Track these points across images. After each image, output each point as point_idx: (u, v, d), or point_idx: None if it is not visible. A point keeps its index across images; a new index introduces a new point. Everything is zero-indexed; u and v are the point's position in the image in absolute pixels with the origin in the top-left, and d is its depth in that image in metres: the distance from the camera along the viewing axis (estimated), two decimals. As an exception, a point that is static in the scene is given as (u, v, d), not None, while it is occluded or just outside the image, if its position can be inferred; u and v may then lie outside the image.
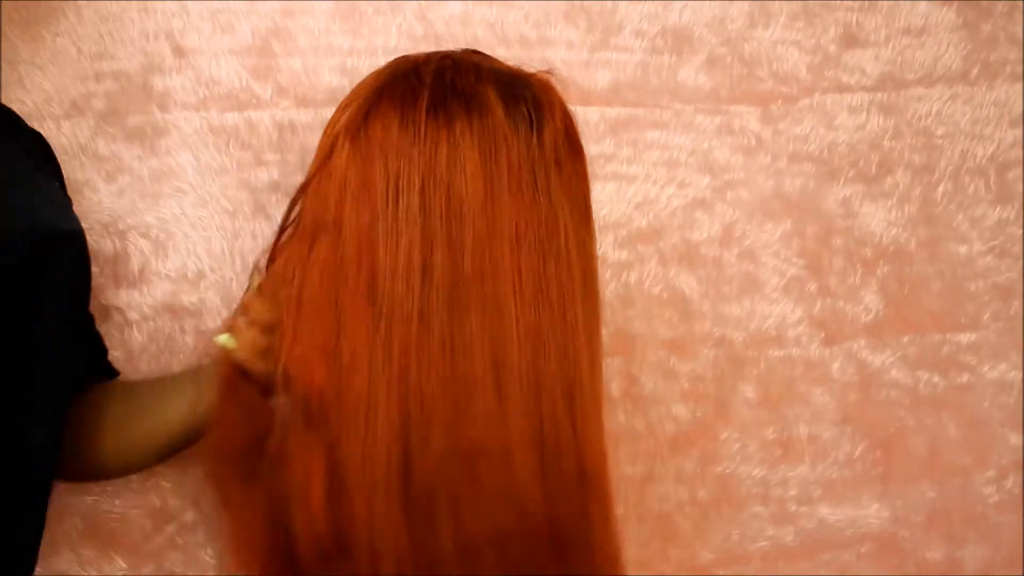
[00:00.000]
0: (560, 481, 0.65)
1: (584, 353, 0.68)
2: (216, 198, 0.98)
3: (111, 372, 0.90)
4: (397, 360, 0.64)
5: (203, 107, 0.97)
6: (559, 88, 0.72)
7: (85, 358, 0.86)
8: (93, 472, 0.86)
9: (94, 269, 0.96)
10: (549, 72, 0.73)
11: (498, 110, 0.66)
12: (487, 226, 0.65)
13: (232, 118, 0.97)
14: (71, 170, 0.96)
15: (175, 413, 0.80)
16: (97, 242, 0.96)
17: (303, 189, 0.71)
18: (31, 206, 0.73)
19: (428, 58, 0.70)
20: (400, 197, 0.64)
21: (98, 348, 0.89)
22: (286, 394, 0.67)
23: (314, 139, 0.75)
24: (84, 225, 0.95)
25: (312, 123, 0.97)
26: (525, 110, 0.68)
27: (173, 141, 0.97)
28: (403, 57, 0.72)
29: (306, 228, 0.69)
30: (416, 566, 0.63)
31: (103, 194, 0.96)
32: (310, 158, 0.75)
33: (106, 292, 0.97)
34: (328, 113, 0.74)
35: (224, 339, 0.74)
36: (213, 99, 0.97)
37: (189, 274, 0.98)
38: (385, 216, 0.64)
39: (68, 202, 0.83)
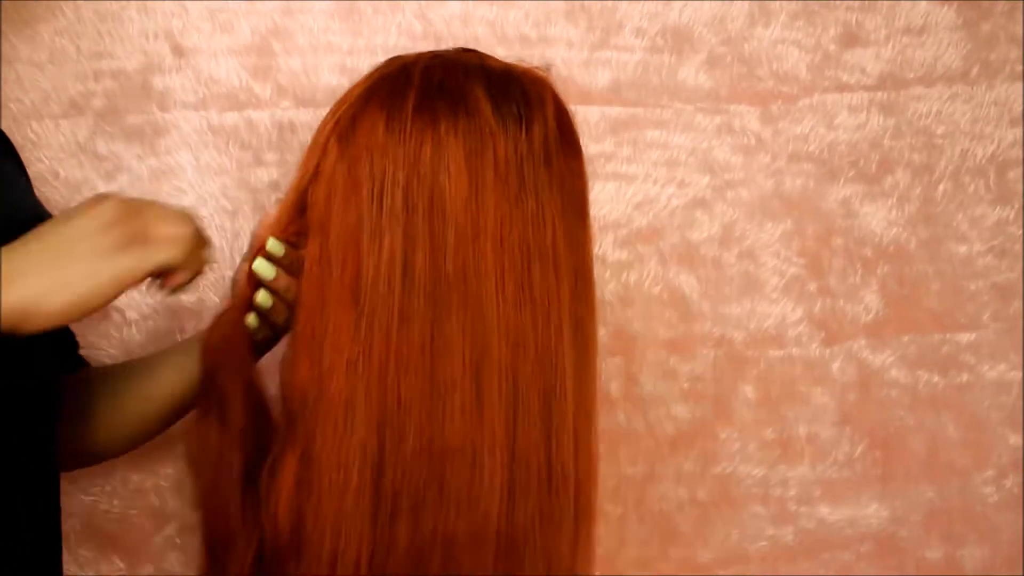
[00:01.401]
0: (525, 486, 0.65)
1: (568, 356, 0.67)
2: (216, 198, 0.98)
3: (82, 362, 0.88)
4: (376, 360, 0.63)
5: (203, 106, 0.97)
6: (556, 84, 0.71)
7: (63, 349, 0.85)
8: (88, 458, 0.85)
9: (93, 268, 0.96)
10: (547, 67, 0.72)
11: (485, 108, 0.66)
12: (471, 225, 0.64)
13: (232, 118, 0.97)
14: (69, 169, 0.96)
15: (165, 388, 0.80)
16: (96, 242, 0.96)
17: (296, 194, 0.70)
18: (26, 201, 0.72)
19: (418, 58, 0.70)
20: (384, 196, 0.64)
21: (71, 339, 0.87)
22: (281, 392, 0.68)
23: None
24: (83, 225, 0.96)
25: (312, 122, 0.96)
26: (514, 107, 0.67)
27: (173, 140, 0.97)
28: (394, 58, 0.72)
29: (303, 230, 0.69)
30: (371, 567, 0.62)
31: (102, 193, 0.96)
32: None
33: (105, 292, 0.97)
34: (328, 113, 0.74)
35: (261, 266, 0.71)
36: (213, 98, 0.97)
37: (189, 274, 0.97)
38: (370, 216, 0.64)
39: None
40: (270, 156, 0.98)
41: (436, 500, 0.63)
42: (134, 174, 0.97)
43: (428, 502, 0.63)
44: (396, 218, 0.64)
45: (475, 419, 0.64)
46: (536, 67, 0.72)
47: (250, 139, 0.98)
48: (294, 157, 0.97)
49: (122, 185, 0.96)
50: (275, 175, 0.98)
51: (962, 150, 1.09)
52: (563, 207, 0.68)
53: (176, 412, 0.81)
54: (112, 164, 0.96)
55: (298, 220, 0.69)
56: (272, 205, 0.96)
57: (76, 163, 0.96)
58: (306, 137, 0.96)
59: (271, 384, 0.77)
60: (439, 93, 0.66)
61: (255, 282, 0.72)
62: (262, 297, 0.71)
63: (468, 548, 0.64)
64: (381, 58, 0.75)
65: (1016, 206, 1.10)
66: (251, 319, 0.72)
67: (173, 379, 0.79)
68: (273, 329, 0.74)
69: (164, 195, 0.97)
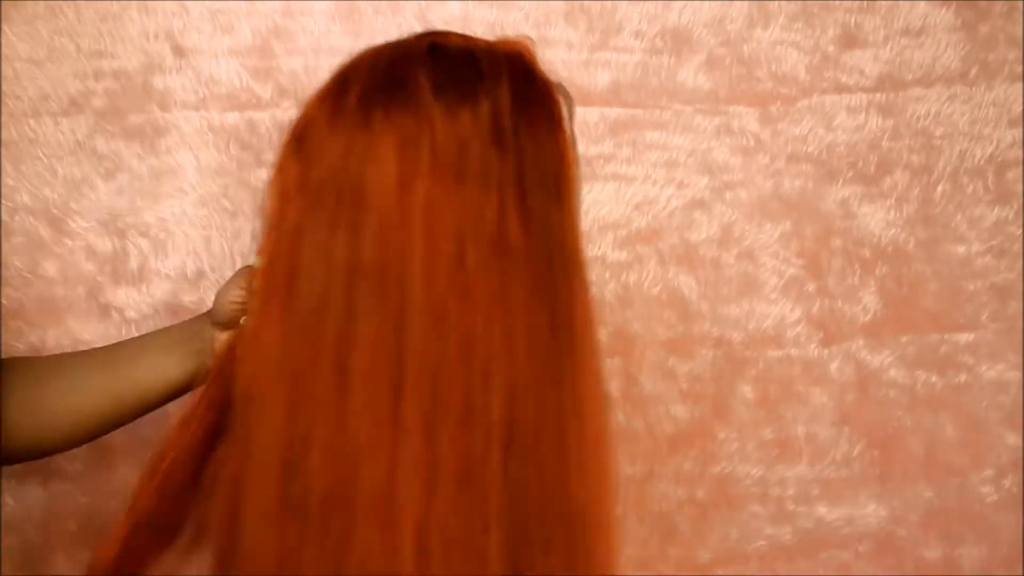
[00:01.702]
0: (456, 490, 0.60)
1: (522, 350, 0.61)
2: (216, 198, 0.98)
3: None
4: (294, 353, 0.61)
5: (203, 107, 0.97)
6: (528, 56, 0.67)
7: None
8: (40, 447, 0.78)
9: (92, 267, 0.96)
10: (524, 38, 0.68)
11: (425, 93, 0.62)
12: (396, 212, 0.60)
13: (232, 118, 0.97)
14: (68, 167, 0.96)
15: (163, 373, 0.75)
16: (96, 240, 0.96)
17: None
18: None
19: (374, 50, 0.67)
20: (321, 193, 0.62)
21: None
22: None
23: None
24: (84, 224, 0.96)
25: (312, 123, 0.97)
26: (460, 87, 0.62)
27: (173, 140, 0.97)
28: (361, 52, 0.69)
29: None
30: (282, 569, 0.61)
31: (102, 192, 0.96)
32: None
33: (105, 291, 0.97)
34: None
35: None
36: (213, 99, 0.97)
37: (189, 273, 0.98)
38: (308, 213, 0.62)
39: None
40: (271, 156, 0.97)
41: (347, 502, 0.59)
42: (134, 173, 0.97)
43: (338, 504, 0.60)
44: (327, 212, 0.62)
45: (388, 416, 0.59)
46: (505, 39, 0.68)
47: (251, 139, 0.98)
48: (295, 157, 0.97)
49: (122, 184, 0.96)
50: (275, 175, 0.98)
51: (961, 151, 1.10)
52: (523, 188, 0.62)
53: (159, 402, 0.77)
54: (112, 163, 0.96)
55: None
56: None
57: (75, 161, 0.96)
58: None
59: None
60: (382, 84, 0.64)
61: None
62: None
63: (381, 554, 0.60)
64: (382, 59, 0.75)
65: (1015, 206, 1.11)
66: None
67: (165, 366, 0.75)
68: None
69: (164, 195, 0.97)
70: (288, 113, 0.97)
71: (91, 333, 0.96)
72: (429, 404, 0.59)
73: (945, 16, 1.08)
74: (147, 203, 0.97)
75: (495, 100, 0.63)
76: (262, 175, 0.98)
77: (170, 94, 0.96)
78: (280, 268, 0.63)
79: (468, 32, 1.00)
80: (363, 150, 0.62)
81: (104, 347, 0.79)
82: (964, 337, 1.11)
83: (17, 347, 0.96)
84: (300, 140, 0.65)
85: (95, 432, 0.78)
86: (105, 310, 0.96)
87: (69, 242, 0.96)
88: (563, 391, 0.62)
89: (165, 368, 0.75)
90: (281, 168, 0.66)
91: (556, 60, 1.02)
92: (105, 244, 0.96)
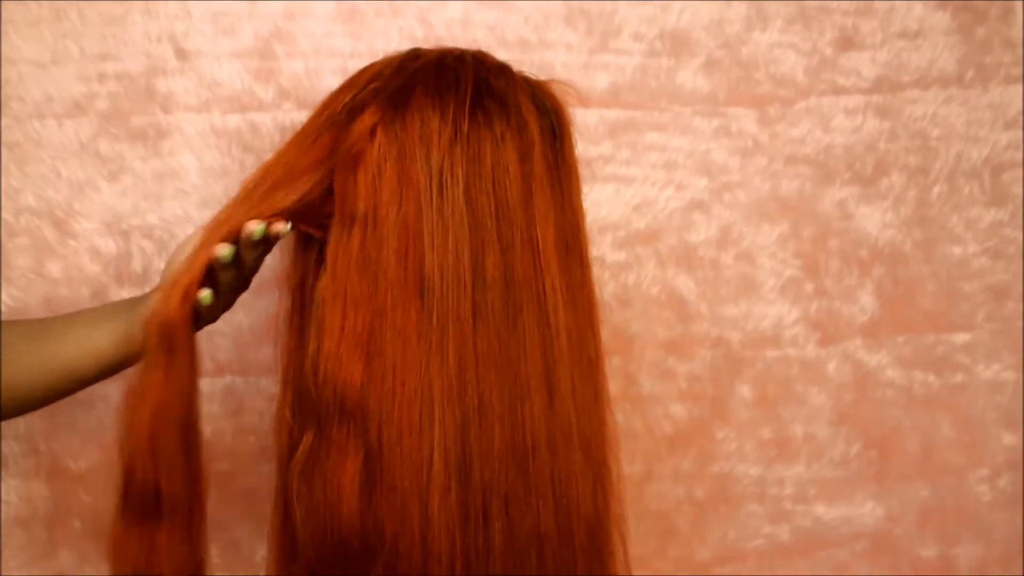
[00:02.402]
0: (594, 480, 0.66)
1: (601, 353, 0.70)
2: (219, 199, 0.98)
3: None
4: (452, 358, 0.63)
5: (205, 109, 0.97)
6: (566, 96, 0.73)
7: None
8: None
9: (97, 268, 0.97)
10: (562, 82, 0.73)
11: (531, 117, 0.67)
12: (529, 229, 0.65)
13: (234, 120, 0.98)
14: (71, 169, 0.96)
15: (92, 346, 0.73)
16: (100, 242, 0.97)
17: (324, 174, 0.66)
18: None
19: (461, 54, 0.70)
20: (445, 192, 0.63)
21: None
22: (316, 391, 0.64)
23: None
24: (88, 225, 0.97)
25: (314, 125, 0.98)
26: (550, 120, 0.68)
27: (176, 142, 0.97)
28: (417, 50, 0.71)
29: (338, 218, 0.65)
30: (467, 566, 0.62)
31: (106, 194, 0.97)
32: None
33: (109, 291, 0.97)
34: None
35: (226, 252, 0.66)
36: (215, 101, 0.98)
37: (191, 274, 0.98)
38: (430, 211, 0.63)
39: None
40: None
41: (524, 497, 0.63)
42: (137, 175, 0.97)
43: (515, 499, 0.63)
44: (459, 216, 0.63)
45: (548, 416, 0.64)
46: (555, 80, 0.73)
47: (253, 141, 0.98)
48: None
49: (125, 186, 0.97)
50: (277, 177, 0.99)
51: (957, 152, 1.10)
52: (583, 216, 0.71)
53: (95, 377, 0.74)
54: (116, 165, 0.97)
55: (325, 203, 0.66)
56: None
57: (78, 163, 0.96)
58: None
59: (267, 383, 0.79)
60: (489, 95, 0.66)
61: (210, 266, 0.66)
62: (205, 296, 0.66)
63: (557, 544, 0.64)
64: (383, 62, 0.76)
65: (1010, 208, 1.11)
66: (206, 295, 0.66)
67: (104, 338, 0.73)
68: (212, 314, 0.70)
69: (167, 197, 0.97)
70: (289, 115, 0.98)
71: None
72: (573, 402, 0.67)
73: (942, 19, 1.08)
74: (150, 205, 0.97)
75: (570, 139, 0.72)
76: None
77: (173, 96, 0.97)
78: (399, 268, 0.64)
79: (469, 36, 1.01)
80: (492, 160, 0.65)
81: (37, 320, 0.77)
82: (961, 337, 1.11)
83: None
84: (391, 128, 0.65)
85: (31, 405, 0.76)
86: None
87: (73, 243, 0.97)
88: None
89: (94, 341, 0.73)
90: (368, 153, 0.65)
91: (556, 62, 1.03)
92: (109, 245, 0.97)
